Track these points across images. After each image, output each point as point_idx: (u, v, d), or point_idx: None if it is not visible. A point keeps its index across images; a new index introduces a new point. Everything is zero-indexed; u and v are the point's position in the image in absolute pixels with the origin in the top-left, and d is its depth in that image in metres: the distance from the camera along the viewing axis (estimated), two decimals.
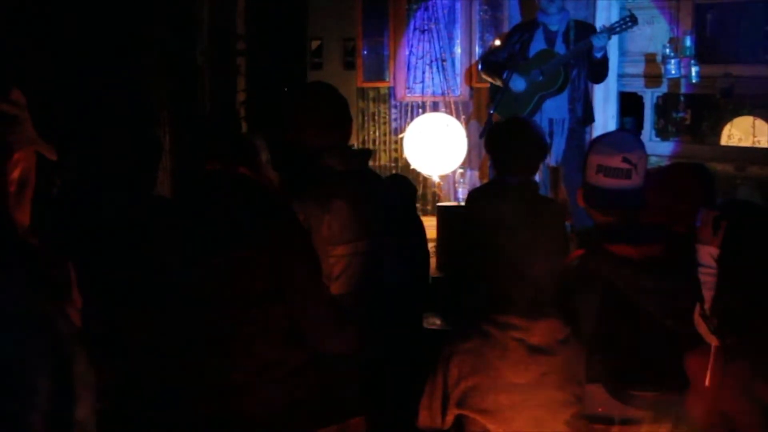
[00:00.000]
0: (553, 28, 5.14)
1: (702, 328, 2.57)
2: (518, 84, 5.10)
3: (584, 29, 5.13)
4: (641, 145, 2.84)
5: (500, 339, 2.38)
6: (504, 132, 3.61)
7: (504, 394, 2.36)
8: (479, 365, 2.38)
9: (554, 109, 5.13)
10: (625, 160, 2.73)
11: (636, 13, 5.04)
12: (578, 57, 5.06)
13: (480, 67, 5.78)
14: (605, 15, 5.90)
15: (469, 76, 6.55)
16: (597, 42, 4.89)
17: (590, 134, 5.82)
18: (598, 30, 5.11)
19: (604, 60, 5.05)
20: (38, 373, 0.86)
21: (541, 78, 5.08)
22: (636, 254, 2.71)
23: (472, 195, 3.83)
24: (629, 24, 4.92)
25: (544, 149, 3.63)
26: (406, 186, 3.29)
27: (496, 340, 2.38)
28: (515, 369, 2.36)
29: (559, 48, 5.10)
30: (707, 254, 2.56)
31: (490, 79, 5.40)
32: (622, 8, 5.86)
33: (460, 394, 2.41)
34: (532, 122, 4.12)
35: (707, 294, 2.53)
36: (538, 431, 2.36)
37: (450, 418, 2.45)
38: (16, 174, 1.16)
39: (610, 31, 4.95)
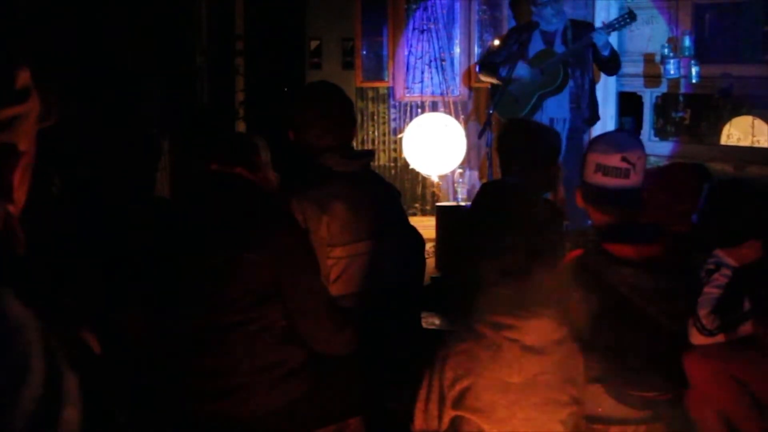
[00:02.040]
0: (551, 28, 5.13)
1: (692, 329, 2.58)
2: (523, 71, 5.03)
3: (582, 27, 5.11)
4: (640, 145, 2.84)
5: (494, 339, 2.38)
6: (506, 133, 3.60)
7: (499, 394, 2.36)
8: (474, 366, 2.38)
9: (555, 108, 5.12)
10: (623, 159, 2.73)
11: (635, 12, 5.03)
12: (579, 56, 5.05)
13: (477, 69, 5.78)
14: (604, 15, 5.90)
15: (468, 76, 6.55)
16: (597, 40, 4.88)
17: (590, 134, 5.81)
18: (596, 27, 5.10)
19: (614, 56, 5.04)
20: (33, 353, 0.84)
21: (540, 77, 5.07)
22: (635, 254, 2.71)
23: (476, 194, 3.82)
24: (627, 21, 4.91)
25: (548, 151, 3.56)
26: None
27: (490, 341, 2.38)
28: (509, 369, 2.36)
29: (558, 48, 5.09)
30: (734, 260, 2.59)
31: (488, 80, 5.40)
32: (621, 8, 5.85)
33: (455, 395, 2.41)
34: (536, 124, 4.09)
35: (715, 291, 2.54)
36: (533, 431, 2.36)
37: (446, 420, 2.45)
38: (18, 173, 1.14)
39: (609, 28, 4.94)
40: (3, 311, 0.77)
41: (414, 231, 3.14)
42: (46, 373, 0.75)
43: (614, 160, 2.73)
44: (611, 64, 5.07)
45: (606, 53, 4.95)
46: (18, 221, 1.12)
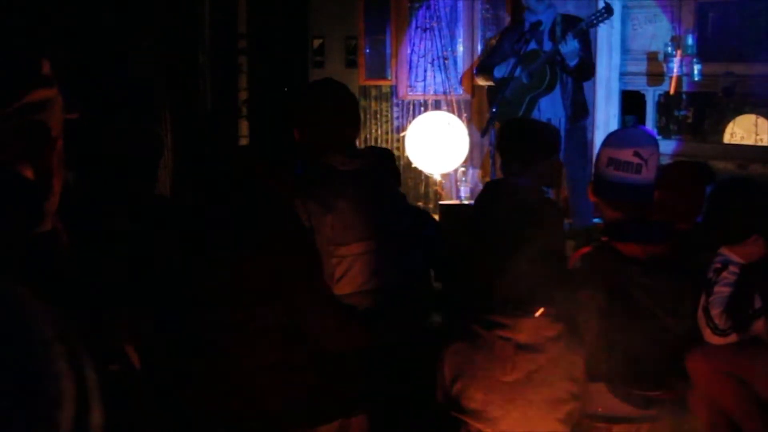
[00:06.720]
0: (540, 27, 5.12)
1: (705, 329, 2.58)
2: (515, 73, 5.06)
3: (571, 23, 5.08)
4: (654, 142, 2.84)
5: (487, 338, 2.39)
6: (502, 133, 3.60)
7: (492, 393, 2.37)
8: (467, 366, 2.40)
9: (551, 109, 5.11)
10: (636, 154, 2.73)
11: (638, 11, 5.02)
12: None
13: (475, 71, 5.80)
14: None
15: (471, 74, 6.54)
16: (563, 48, 4.85)
17: (592, 132, 5.81)
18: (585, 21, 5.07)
19: (583, 66, 4.99)
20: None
21: (527, 79, 5.07)
22: (642, 253, 2.71)
23: (479, 194, 3.82)
24: (604, 15, 4.89)
25: (544, 145, 3.53)
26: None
27: (483, 340, 2.40)
28: (502, 367, 2.37)
29: (547, 46, 5.08)
30: (741, 257, 2.59)
31: (484, 83, 5.42)
32: (624, 7, 5.85)
33: (455, 395, 2.42)
34: (530, 121, 4.08)
35: (726, 289, 2.54)
36: (529, 430, 2.36)
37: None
38: (55, 158, 1.13)
39: (588, 25, 4.93)
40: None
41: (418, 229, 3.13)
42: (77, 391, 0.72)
43: (626, 155, 2.73)
44: (577, 74, 5.02)
45: (572, 63, 4.91)
46: (58, 219, 1.12)
